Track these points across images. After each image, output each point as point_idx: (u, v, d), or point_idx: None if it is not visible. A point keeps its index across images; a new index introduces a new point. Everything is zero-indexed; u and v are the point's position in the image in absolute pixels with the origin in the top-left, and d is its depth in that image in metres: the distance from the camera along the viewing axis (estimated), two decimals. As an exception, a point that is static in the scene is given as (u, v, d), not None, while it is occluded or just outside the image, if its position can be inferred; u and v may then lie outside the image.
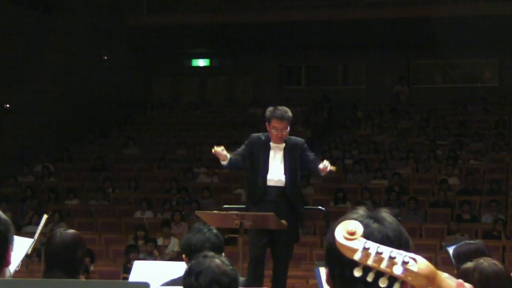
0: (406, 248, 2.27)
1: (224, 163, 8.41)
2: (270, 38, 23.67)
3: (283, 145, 8.37)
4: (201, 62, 26.48)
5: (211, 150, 8.42)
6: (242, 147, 8.54)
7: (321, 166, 8.28)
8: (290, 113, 8.38)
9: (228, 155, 8.35)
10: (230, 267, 3.96)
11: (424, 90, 24.92)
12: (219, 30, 23.39)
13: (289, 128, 8.35)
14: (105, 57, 24.00)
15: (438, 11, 21.69)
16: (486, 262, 4.13)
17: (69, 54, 22.54)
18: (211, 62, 26.45)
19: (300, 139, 8.59)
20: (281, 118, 8.25)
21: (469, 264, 4.16)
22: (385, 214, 2.37)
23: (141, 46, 24.83)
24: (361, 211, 2.37)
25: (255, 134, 8.60)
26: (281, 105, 8.68)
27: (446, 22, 21.30)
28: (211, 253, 4.06)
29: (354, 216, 2.34)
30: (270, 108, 8.44)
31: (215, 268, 3.90)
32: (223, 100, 25.48)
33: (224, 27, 23.29)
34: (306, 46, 24.06)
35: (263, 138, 8.44)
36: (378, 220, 2.33)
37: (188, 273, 3.93)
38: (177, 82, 26.86)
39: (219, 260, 3.96)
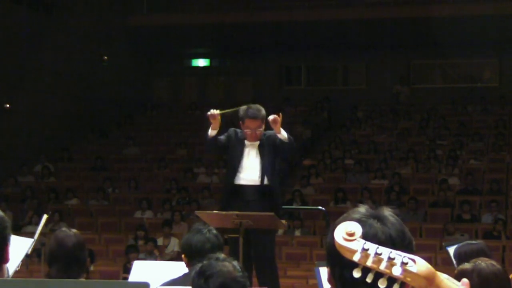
0: (409, 248, 2.27)
1: (213, 133, 8.23)
2: (270, 38, 23.67)
3: (258, 142, 8.26)
4: (201, 62, 26.50)
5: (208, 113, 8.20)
6: (222, 136, 8.39)
7: (269, 118, 8.06)
8: (263, 112, 8.22)
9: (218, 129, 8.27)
10: (241, 273, 3.93)
11: (424, 90, 24.92)
12: (219, 30, 23.40)
13: (263, 127, 8.22)
14: (105, 57, 24.00)
15: (438, 11, 21.70)
16: (483, 263, 4.12)
17: (69, 54, 22.54)
18: (211, 62, 26.46)
19: (272, 131, 8.35)
20: (254, 117, 8.13)
21: (467, 266, 4.14)
22: (388, 213, 2.35)
23: (141, 46, 24.83)
24: (363, 209, 2.36)
25: (233, 129, 8.45)
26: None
27: (446, 22, 21.30)
28: (222, 256, 4.03)
29: (356, 215, 2.33)
30: (243, 107, 8.29)
31: (226, 273, 3.87)
32: (223, 100, 25.48)
33: (224, 27, 23.30)
34: (306, 46, 24.07)
35: (239, 135, 8.33)
36: (381, 219, 2.33)
37: (198, 274, 3.91)
38: (177, 82, 26.87)
39: (231, 265, 3.92)
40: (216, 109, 8.31)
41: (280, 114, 8.16)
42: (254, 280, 8.42)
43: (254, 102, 8.68)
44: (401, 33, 22.93)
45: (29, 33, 21.32)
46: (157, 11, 23.85)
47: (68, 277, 4.74)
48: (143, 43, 24.68)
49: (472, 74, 25.25)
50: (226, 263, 3.92)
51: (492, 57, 24.33)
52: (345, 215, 2.35)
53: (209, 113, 8.21)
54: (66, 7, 22.56)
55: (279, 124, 8.09)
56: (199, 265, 3.97)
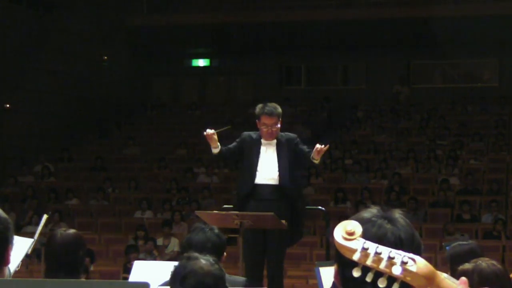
0: (417, 251, 2.27)
1: (216, 150, 8.22)
2: (270, 38, 23.67)
3: (275, 141, 8.24)
4: (201, 62, 26.49)
5: (204, 134, 8.20)
6: (233, 143, 8.40)
7: (317, 147, 8.09)
8: (279, 109, 8.23)
9: (219, 144, 8.25)
10: (216, 266, 3.86)
11: (424, 90, 24.92)
12: (219, 30, 23.41)
13: (279, 125, 8.20)
14: (105, 57, 24.00)
15: (438, 11, 21.70)
16: (484, 263, 4.11)
17: (69, 54, 22.54)
18: (211, 62, 26.45)
19: (292, 134, 8.42)
20: (270, 114, 8.12)
21: (467, 266, 4.13)
22: (398, 215, 2.36)
23: (141, 46, 24.83)
24: (375, 210, 2.36)
25: (247, 132, 8.45)
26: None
27: (446, 22, 21.30)
28: (194, 254, 3.96)
29: (367, 215, 2.34)
30: (259, 105, 8.29)
31: (199, 270, 3.80)
32: (223, 100, 25.48)
33: (224, 27, 23.30)
34: (306, 46, 24.06)
35: (254, 136, 8.31)
36: (391, 221, 2.33)
37: (173, 278, 3.87)
38: (177, 82, 26.87)
39: (203, 261, 3.85)
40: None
41: (328, 145, 8.22)
42: (264, 280, 8.44)
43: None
44: (401, 33, 22.93)
45: (29, 33, 21.32)
46: (157, 11, 23.85)
47: (54, 278, 4.71)
48: (143, 43, 24.68)
49: (472, 74, 25.25)
50: (198, 260, 3.85)
51: (492, 57, 24.33)
52: (356, 214, 2.35)
53: (204, 133, 8.21)
54: (66, 7, 22.56)
55: (321, 154, 8.13)
56: (171, 270, 3.93)
